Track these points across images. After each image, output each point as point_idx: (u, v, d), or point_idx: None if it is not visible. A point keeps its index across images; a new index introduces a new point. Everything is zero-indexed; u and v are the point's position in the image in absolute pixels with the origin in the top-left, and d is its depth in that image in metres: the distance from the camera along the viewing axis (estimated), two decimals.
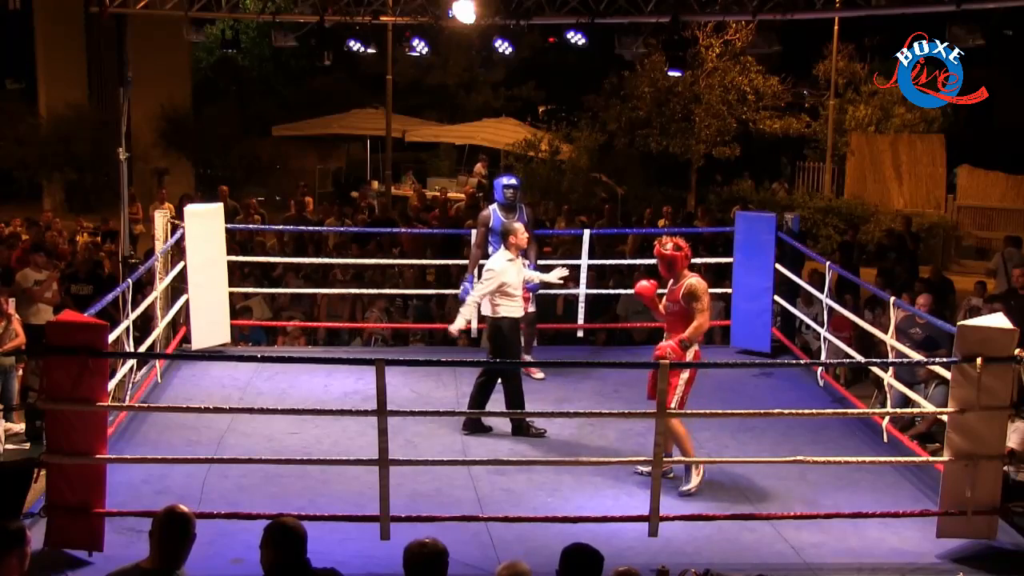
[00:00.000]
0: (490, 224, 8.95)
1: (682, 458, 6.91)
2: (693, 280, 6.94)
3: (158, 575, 4.00)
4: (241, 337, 11.02)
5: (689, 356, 6.83)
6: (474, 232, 9.24)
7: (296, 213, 15.99)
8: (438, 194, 19.75)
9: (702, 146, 20.84)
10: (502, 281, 7.84)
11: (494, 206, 9.04)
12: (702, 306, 6.88)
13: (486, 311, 8.05)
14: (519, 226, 8.04)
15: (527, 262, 8.62)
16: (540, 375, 9.09)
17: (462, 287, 9.01)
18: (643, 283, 7.24)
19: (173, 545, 4.01)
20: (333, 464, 6.91)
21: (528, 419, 7.87)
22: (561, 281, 8.54)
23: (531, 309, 8.84)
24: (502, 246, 8.04)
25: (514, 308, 7.92)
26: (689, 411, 7.02)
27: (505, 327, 7.91)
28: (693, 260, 7.39)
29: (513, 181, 9.14)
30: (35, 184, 22.00)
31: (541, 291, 10.46)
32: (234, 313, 10.35)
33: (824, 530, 6.42)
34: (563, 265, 8.70)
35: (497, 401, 7.95)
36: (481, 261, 8.77)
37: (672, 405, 6.61)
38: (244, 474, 6.86)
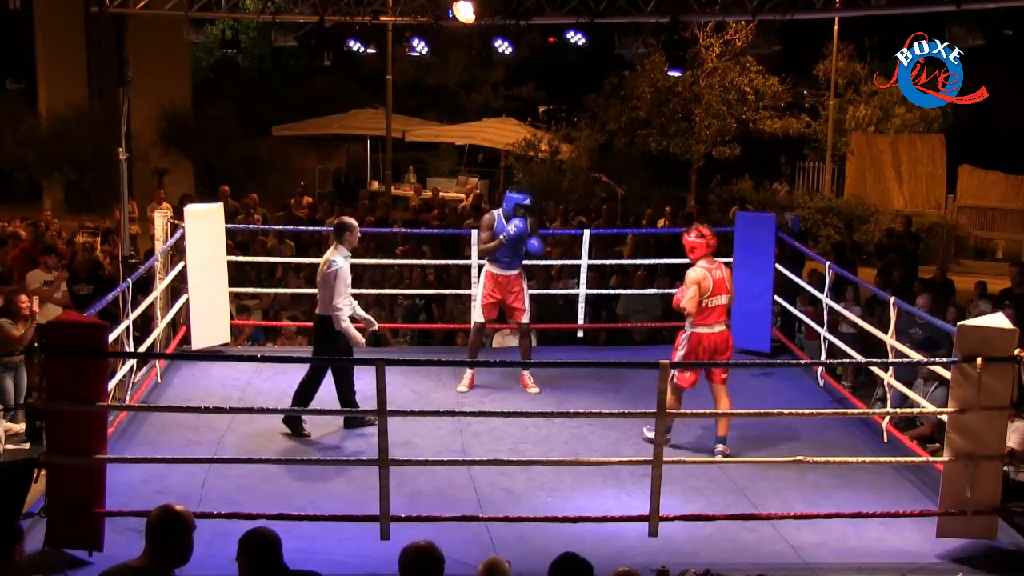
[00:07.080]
0: (493, 228, 8.87)
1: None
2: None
3: (148, 574, 3.92)
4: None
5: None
6: (474, 232, 9.24)
7: (287, 213, 15.96)
8: (431, 194, 19.74)
9: (702, 146, 20.84)
10: None
11: (499, 211, 8.89)
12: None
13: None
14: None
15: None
16: (535, 389, 8.90)
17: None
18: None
19: (165, 544, 3.93)
20: (333, 464, 6.91)
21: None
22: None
23: (525, 320, 8.80)
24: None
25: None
26: (689, 411, 7.03)
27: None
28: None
29: (527, 202, 8.77)
30: (35, 184, 22.01)
31: (541, 290, 10.51)
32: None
33: (824, 530, 6.42)
34: (563, 265, 8.67)
35: (496, 402, 7.92)
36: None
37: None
38: (244, 474, 6.86)
